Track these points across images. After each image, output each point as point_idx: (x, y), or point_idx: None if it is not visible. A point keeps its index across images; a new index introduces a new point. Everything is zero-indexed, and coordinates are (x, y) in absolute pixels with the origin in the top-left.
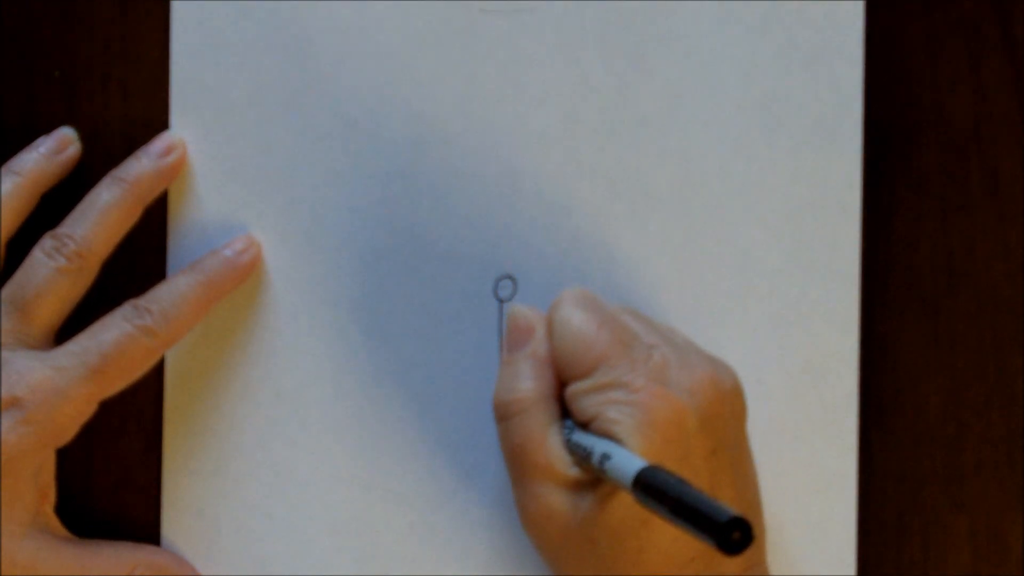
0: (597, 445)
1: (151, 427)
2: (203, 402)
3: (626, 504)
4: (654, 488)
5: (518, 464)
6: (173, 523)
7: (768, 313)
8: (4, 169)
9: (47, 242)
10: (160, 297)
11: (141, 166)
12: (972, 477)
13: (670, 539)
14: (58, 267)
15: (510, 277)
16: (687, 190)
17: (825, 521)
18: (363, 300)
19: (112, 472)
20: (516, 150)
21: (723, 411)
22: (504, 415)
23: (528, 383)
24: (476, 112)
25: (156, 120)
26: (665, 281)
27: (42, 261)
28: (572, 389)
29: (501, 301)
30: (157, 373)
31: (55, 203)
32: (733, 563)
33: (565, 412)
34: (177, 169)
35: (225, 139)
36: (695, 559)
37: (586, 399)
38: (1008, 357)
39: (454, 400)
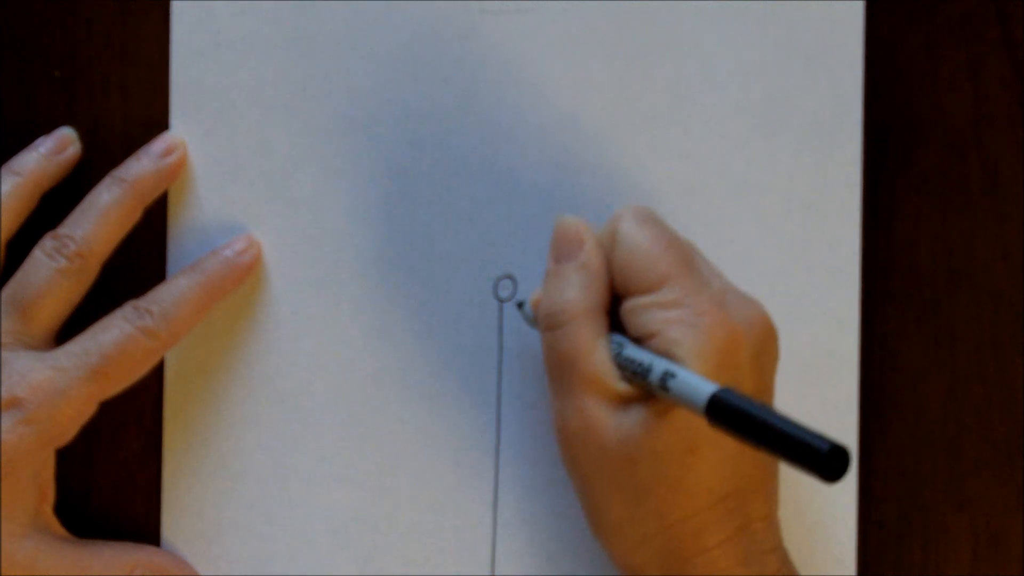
0: (657, 363)
1: (151, 427)
2: (203, 402)
3: (675, 428)
4: (732, 411)
5: (563, 376)
6: (173, 523)
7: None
8: (4, 169)
9: (48, 242)
10: (160, 298)
11: (141, 166)
12: (972, 477)
13: (712, 470)
14: (59, 268)
15: (510, 277)
16: (687, 190)
17: (825, 521)
18: (363, 300)
19: (112, 472)
20: (516, 150)
21: (771, 349)
22: (551, 324)
23: (577, 292)
24: (476, 112)
25: (156, 120)
26: None
27: (43, 261)
28: (633, 303)
29: (501, 301)
30: (157, 373)
31: (55, 203)
32: (760, 505)
33: (612, 328)
34: (177, 169)
35: (225, 139)
36: (729, 495)
37: (647, 315)
38: (1008, 357)
39: (454, 400)
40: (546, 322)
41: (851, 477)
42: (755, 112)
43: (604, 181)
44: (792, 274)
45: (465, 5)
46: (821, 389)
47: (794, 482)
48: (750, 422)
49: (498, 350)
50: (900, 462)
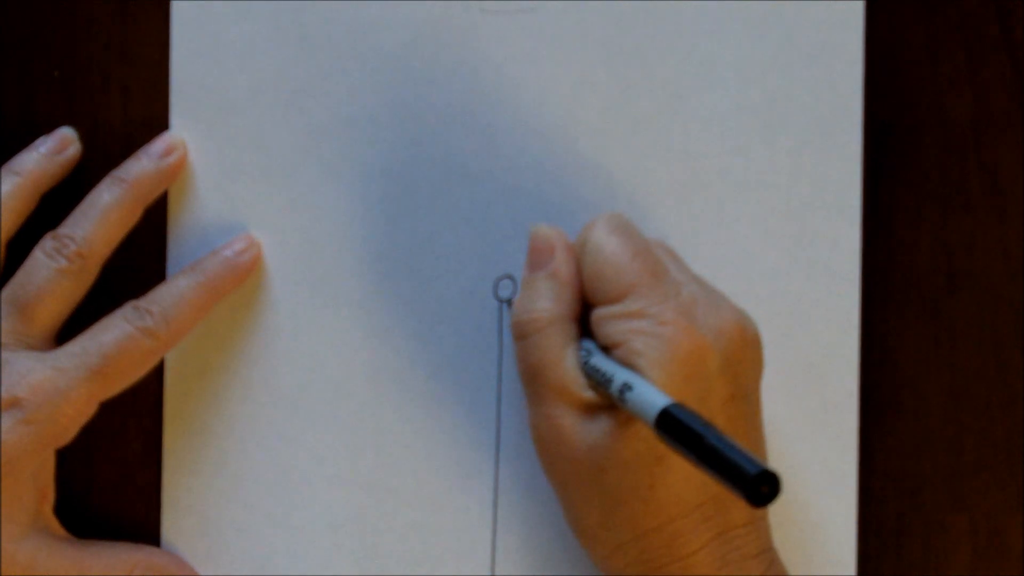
0: (618, 373)
1: (151, 427)
2: (203, 402)
3: (640, 437)
4: (679, 427)
5: (532, 384)
6: (173, 523)
7: (768, 313)
8: (4, 169)
9: (48, 243)
10: (161, 298)
11: (141, 166)
12: (972, 477)
13: (683, 480)
14: (59, 268)
15: (510, 277)
16: (687, 190)
17: (825, 521)
18: (363, 300)
19: (112, 472)
20: (516, 150)
21: (745, 358)
22: (521, 334)
23: (546, 303)
24: (476, 112)
25: (156, 120)
26: None
27: (43, 262)
28: (599, 313)
29: (501, 301)
30: (157, 373)
31: (55, 203)
32: (739, 512)
33: (583, 334)
34: (177, 169)
35: (225, 139)
36: (705, 503)
37: (612, 325)
38: (1008, 357)
39: (454, 400)
40: (516, 331)
41: (851, 477)
42: (755, 112)
43: (604, 181)
44: (792, 274)
45: (465, 5)
46: (821, 389)
47: (794, 482)
48: (691, 439)
49: (498, 350)
50: (900, 462)
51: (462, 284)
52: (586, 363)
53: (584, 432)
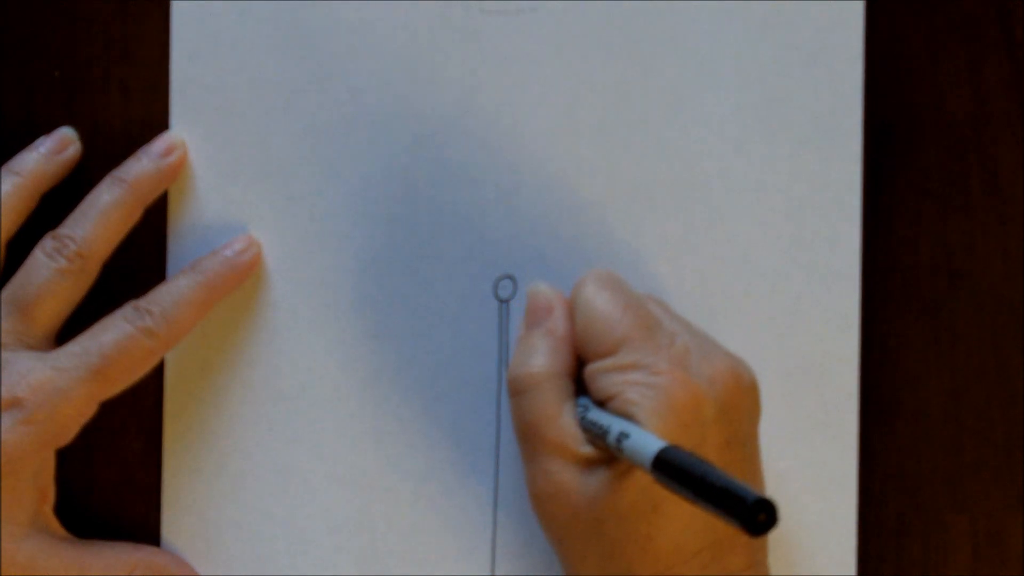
0: (615, 424)
1: (151, 427)
2: (203, 402)
3: (638, 487)
4: (675, 468)
5: (529, 440)
6: (173, 523)
7: (768, 313)
8: (4, 169)
9: (48, 243)
10: (161, 298)
11: (141, 166)
12: (972, 477)
13: (680, 527)
14: (59, 268)
15: (510, 277)
16: (687, 190)
17: (825, 521)
18: (363, 300)
19: (112, 472)
20: (516, 150)
21: (741, 404)
22: (517, 390)
23: (542, 359)
24: (476, 112)
25: (156, 120)
26: (665, 281)
27: (43, 262)
28: (593, 367)
29: (501, 301)
30: (157, 373)
31: (55, 203)
32: (738, 558)
33: (579, 392)
34: (177, 169)
35: (225, 139)
36: (703, 551)
37: (606, 378)
38: (1008, 357)
39: (454, 400)
40: (512, 387)
41: (851, 477)
42: (755, 112)
43: (604, 181)
44: (792, 274)
45: (465, 5)
46: (821, 389)
47: (794, 483)
48: (687, 478)
49: (498, 350)
50: (900, 462)
51: (462, 284)
52: (583, 418)
53: (582, 486)
